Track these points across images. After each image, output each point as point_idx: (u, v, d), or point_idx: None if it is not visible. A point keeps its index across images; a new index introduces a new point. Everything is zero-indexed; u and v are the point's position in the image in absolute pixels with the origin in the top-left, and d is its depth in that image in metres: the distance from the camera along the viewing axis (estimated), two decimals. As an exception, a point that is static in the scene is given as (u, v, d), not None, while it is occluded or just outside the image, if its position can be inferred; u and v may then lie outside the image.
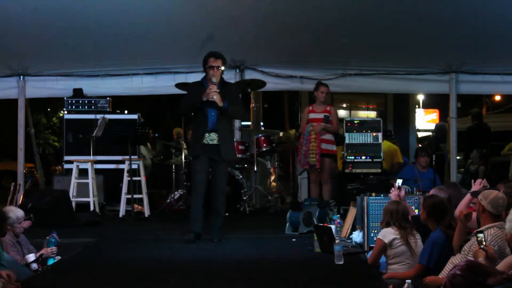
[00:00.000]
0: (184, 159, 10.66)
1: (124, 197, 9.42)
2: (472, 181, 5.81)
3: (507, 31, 8.47)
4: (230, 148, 7.27)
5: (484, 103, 23.52)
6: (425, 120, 23.06)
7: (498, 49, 9.19)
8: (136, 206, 9.42)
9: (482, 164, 11.47)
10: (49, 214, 8.12)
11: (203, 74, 7.30)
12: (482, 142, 11.85)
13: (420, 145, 13.03)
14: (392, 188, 6.28)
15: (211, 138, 7.01)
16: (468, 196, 5.51)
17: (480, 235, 4.34)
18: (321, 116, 8.85)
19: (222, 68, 7.04)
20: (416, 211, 6.31)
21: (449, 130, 10.48)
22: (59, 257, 6.30)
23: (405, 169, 9.48)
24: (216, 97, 6.85)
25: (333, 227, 6.63)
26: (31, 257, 6.04)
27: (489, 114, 20.58)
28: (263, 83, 9.84)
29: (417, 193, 6.70)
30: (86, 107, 10.08)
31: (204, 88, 6.99)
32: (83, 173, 9.36)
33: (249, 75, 10.11)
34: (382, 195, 6.64)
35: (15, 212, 6.23)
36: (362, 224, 6.71)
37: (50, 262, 6.21)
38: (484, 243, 4.32)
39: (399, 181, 6.78)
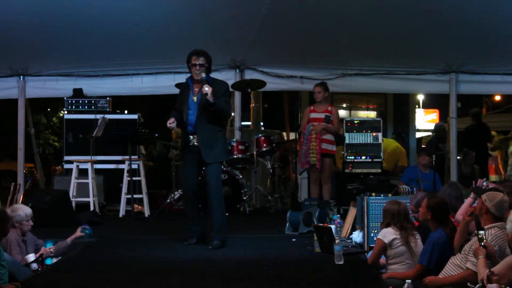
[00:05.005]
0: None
1: (124, 197, 9.43)
2: (474, 182, 5.80)
3: (507, 31, 8.47)
4: (214, 151, 6.80)
5: (484, 103, 23.53)
6: (425, 120, 23.06)
7: (498, 49, 9.20)
8: (136, 206, 9.43)
9: (473, 163, 11.43)
10: (49, 214, 8.12)
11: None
12: (481, 142, 11.84)
13: (423, 146, 13.07)
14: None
15: (196, 140, 6.81)
16: (469, 200, 5.47)
17: (481, 232, 4.35)
18: (322, 116, 8.85)
19: (201, 62, 6.77)
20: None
21: (449, 130, 10.48)
22: (59, 257, 6.30)
23: (407, 170, 9.51)
24: (208, 89, 6.60)
25: (333, 227, 6.64)
26: (31, 257, 6.04)
27: (489, 114, 20.59)
28: (263, 83, 9.84)
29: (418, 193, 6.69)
30: (86, 107, 10.09)
31: (189, 87, 6.90)
32: (83, 173, 9.37)
33: (249, 75, 10.11)
34: (382, 195, 6.65)
35: (23, 210, 6.24)
36: (362, 224, 6.71)
37: (48, 261, 6.21)
38: (484, 240, 4.33)
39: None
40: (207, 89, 6.62)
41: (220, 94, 6.81)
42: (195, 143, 6.83)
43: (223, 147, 7.04)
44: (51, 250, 6.23)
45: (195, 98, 6.84)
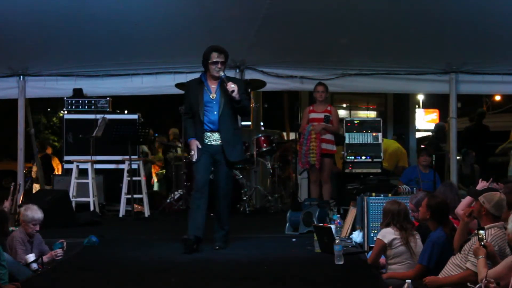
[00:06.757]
0: (184, 159, 10.66)
1: (124, 197, 9.44)
2: (480, 180, 5.79)
3: (507, 31, 8.47)
4: (237, 149, 6.77)
5: (484, 103, 23.50)
6: (425, 120, 23.05)
7: (498, 49, 9.19)
8: (136, 206, 9.43)
9: (473, 163, 11.42)
10: (49, 214, 8.08)
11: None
12: (480, 142, 11.84)
13: (422, 146, 13.07)
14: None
15: (214, 138, 6.67)
16: (469, 197, 5.49)
17: (482, 232, 4.36)
18: (321, 116, 8.86)
19: (222, 60, 6.69)
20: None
21: (449, 130, 10.48)
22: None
23: (407, 170, 9.52)
24: (234, 86, 6.53)
25: (333, 227, 6.64)
26: (31, 257, 6.04)
27: (489, 114, 20.55)
28: (263, 83, 9.84)
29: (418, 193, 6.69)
30: (86, 107, 10.09)
31: (203, 84, 6.75)
32: (83, 173, 9.36)
33: (249, 75, 10.10)
34: (382, 195, 6.65)
35: (33, 212, 6.23)
36: (362, 224, 6.71)
37: None
38: (485, 240, 4.33)
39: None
40: (233, 86, 6.55)
41: (241, 92, 6.72)
42: (212, 142, 6.72)
43: (242, 146, 7.05)
44: (56, 253, 6.20)
45: (213, 96, 6.70)
